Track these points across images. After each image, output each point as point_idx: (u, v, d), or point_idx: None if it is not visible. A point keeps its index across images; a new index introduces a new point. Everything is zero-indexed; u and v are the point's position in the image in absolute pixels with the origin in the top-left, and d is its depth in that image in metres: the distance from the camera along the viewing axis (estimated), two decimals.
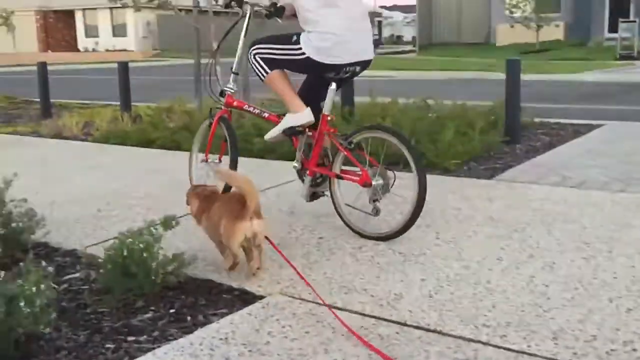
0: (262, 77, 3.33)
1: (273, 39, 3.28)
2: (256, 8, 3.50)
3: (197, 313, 2.33)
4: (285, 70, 3.30)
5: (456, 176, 4.50)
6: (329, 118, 3.21)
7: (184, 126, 6.56)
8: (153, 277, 2.43)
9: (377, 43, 33.22)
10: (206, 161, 3.73)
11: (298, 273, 2.54)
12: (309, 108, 3.26)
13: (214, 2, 5.32)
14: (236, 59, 3.63)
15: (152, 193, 4.16)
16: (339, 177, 3.21)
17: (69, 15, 41.11)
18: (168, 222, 2.64)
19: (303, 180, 3.41)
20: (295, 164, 3.47)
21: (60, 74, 19.38)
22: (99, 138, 6.56)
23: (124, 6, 7.54)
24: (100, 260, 2.50)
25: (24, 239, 2.98)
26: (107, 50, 37.64)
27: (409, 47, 40.24)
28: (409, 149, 3.04)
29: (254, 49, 3.32)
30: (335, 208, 3.27)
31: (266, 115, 3.53)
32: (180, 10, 7.26)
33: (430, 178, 4.34)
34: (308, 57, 3.11)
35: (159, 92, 12.42)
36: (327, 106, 3.21)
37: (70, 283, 2.65)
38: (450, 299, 2.37)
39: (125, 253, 2.42)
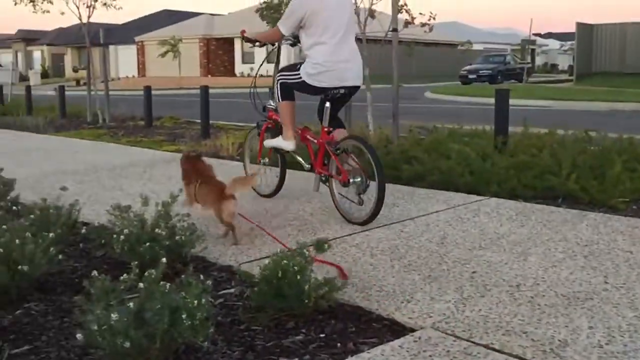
0: (277, 100, 4.36)
1: (287, 67, 4.33)
2: (283, 42, 4.51)
3: (347, 340, 2.29)
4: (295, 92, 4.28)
5: (624, 215, 4.12)
6: (326, 129, 4.15)
7: None
8: (305, 300, 2.43)
9: (529, 71, 31.98)
10: (258, 164, 4.79)
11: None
12: (294, 141, 4.33)
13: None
14: (273, 81, 4.50)
15: (303, 215, 4.22)
16: (331, 176, 4.10)
17: (229, 42, 43.87)
18: (320, 245, 2.65)
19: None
20: (307, 165, 4.45)
21: (218, 97, 20.65)
22: (253, 159, 6.82)
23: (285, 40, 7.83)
24: (255, 279, 2.55)
25: (184, 252, 3.14)
26: (261, 76, 39.50)
27: (564, 76, 38.32)
28: (373, 158, 3.82)
29: (278, 75, 4.35)
30: (332, 198, 4.14)
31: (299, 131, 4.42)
32: None
33: (595, 216, 4.06)
34: (303, 81, 4.15)
35: (309, 116, 12.79)
36: (325, 120, 4.17)
37: (225, 298, 2.73)
38: (623, 351, 2.14)
39: (279, 274, 2.45)
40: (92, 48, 12.16)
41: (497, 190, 4.75)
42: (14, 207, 3.71)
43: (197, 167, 3.90)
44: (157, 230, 3.05)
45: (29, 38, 58.72)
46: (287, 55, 4.51)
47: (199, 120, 10.14)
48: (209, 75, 41.49)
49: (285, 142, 4.37)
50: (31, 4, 11.11)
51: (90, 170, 6.23)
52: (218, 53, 44.34)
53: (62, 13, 11.33)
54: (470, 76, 30.18)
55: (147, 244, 2.96)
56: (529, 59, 36.67)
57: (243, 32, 4.79)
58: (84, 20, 11.42)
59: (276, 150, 4.59)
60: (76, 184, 5.41)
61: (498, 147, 5.84)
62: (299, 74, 4.16)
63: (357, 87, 4.23)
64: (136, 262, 2.26)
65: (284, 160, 4.69)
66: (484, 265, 3.08)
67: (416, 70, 33.64)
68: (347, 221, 3.97)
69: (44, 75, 49.09)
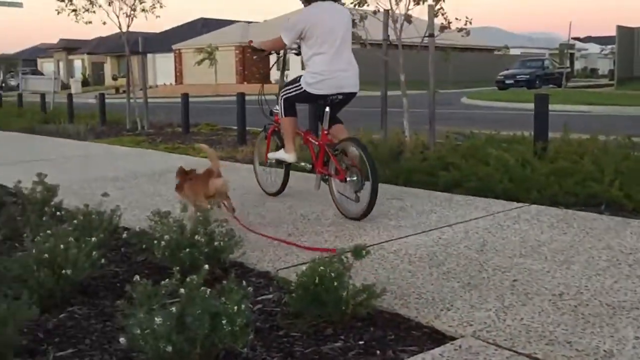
0: (281, 116, 4.71)
1: (288, 83, 4.71)
2: (289, 51, 5.04)
3: (387, 348, 2.27)
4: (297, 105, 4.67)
5: None
6: (325, 132, 4.54)
7: None
8: (343, 307, 2.43)
9: (568, 76, 31.43)
10: (265, 165, 5.25)
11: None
12: (294, 153, 4.71)
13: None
14: (279, 88, 4.85)
15: (339, 221, 4.21)
16: (330, 175, 4.44)
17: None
18: (359, 252, 2.64)
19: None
20: (308, 165, 4.76)
21: (254, 103, 20.79)
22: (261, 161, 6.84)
23: None
24: (292, 285, 2.55)
25: (223, 258, 3.16)
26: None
27: (604, 81, 37.54)
28: (367, 159, 4.15)
29: (282, 92, 4.69)
30: (331, 195, 4.47)
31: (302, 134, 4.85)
32: (370, 44, 7.41)
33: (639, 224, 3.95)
34: (304, 90, 4.51)
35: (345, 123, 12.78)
36: (325, 123, 4.55)
37: (263, 304, 2.74)
38: None
39: (316, 280, 2.45)
40: (131, 56, 12.40)
41: (537, 197, 4.67)
42: (58, 213, 3.79)
43: (188, 178, 4.24)
44: (196, 236, 3.08)
45: (70, 47, 60.19)
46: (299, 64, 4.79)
47: (235, 127, 10.24)
48: (245, 82, 41.84)
49: (286, 155, 4.75)
50: (73, 13, 11.36)
51: (130, 177, 6.33)
52: (253, 60, 44.72)
53: (104, 23, 11.53)
54: (507, 81, 29.78)
55: (187, 249, 3.00)
56: (567, 64, 36.05)
57: (250, 42, 5.08)
58: (124, 29, 11.65)
59: (279, 161, 4.97)
60: (117, 189, 5.50)
61: (537, 153, 5.74)
62: (299, 85, 4.55)
63: (354, 94, 4.61)
64: (177, 268, 2.29)
65: (287, 164, 4.98)
66: (525, 274, 3.03)
67: (452, 75, 33.30)
68: (344, 217, 4.30)
69: (85, 83, 50.19)
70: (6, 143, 10.37)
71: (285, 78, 5.22)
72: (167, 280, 2.17)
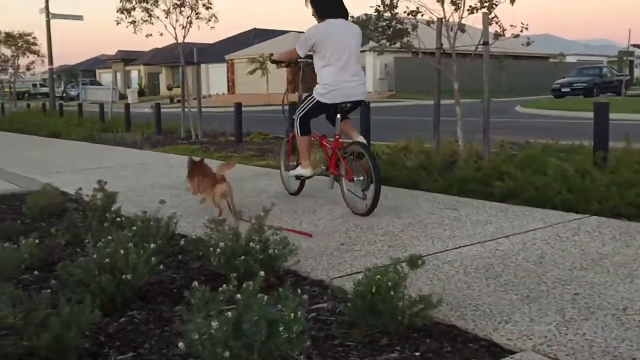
0: (297, 135, 5.17)
1: (302, 101, 5.22)
2: (305, 63, 5.45)
3: None
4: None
5: None
6: (337, 137, 5.03)
7: (421, 166, 6.59)
8: (400, 317, 2.41)
9: (628, 84, 30.44)
10: (288, 168, 5.74)
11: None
12: (310, 168, 5.19)
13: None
14: (297, 98, 5.50)
15: (393, 231, 4.19)
16: (341, 175, 4.92)
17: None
18: (415, 262, 2.61)
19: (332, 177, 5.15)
20: (323, 166, 5.30)
21: None
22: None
23: (374, 50, 7.87)
24: (349, 295, 2.54)
25: (277, 266, 3.18)
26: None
27: None
28: (372, 161, 4.62)
29: (297, 112, 5.16)
30: (342, 193, 4.96)
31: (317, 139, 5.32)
32: (423, 53, 7.36)
33: None
34: (317, 101, 4.99)
35: (394, 131, 12.72)
36: (337, 129, 5.04)
37: (318, 313, 2.74)
38: None
39: (373, 290, 2.44)
40: (186, 67, 12.68)
41: (598, 209, 4.53)
42: (118, 219, 3.89)
43: (199, 168, 5.02)
44: (251, 244, 3.11)
45: (127, 59, 62.00)
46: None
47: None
48: (297, 92, 42.10)
49: (304, 171, 5.24)
50: (132, 25, 11.70)
51: (185, 185, 6.45)
52: (305, 69, 45.04)
53: (161, 34, 11.83)
54: (564, 90, 29.05)
55: (242, 257, 3.03)
56: (627, 72, 34.93)
57: (271, 55, 5.61)
58: (180, 41, 11.92)
59: (298, 177, 5.43)
60: (172, 197, 5.61)
61: (598, 163, 5.58)
62: (313, 97, 5.04)
63: (362, 102, 5.13)
64: (235, 275, 2.31)
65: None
66: (586, 287, 2.94)
67: (506, 84, 32.82)
68: (352, 212, 4.76)
69: (141, 93, 51.57)
70: (68, 151, 10.73)
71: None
72: (224, 286, 2.20)
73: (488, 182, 5.45)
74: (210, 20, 11.74)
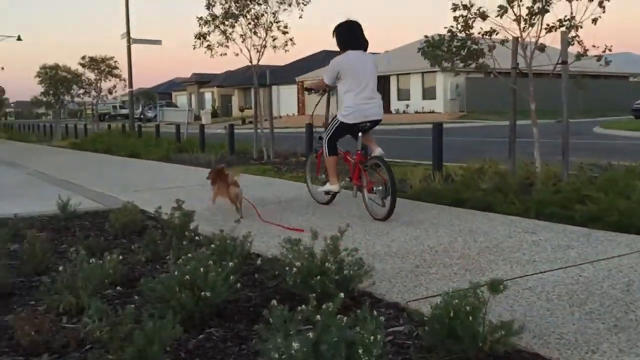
0: (325, 155, 5.87)
1: (328, 124, 5.93)
2: (332, 90, 6.38)
3: None
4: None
5: None
6: (359, 152, 5.77)
7: (495, 187, 6.45)
8: (480, 343, 2.34)
9: None
10: (313, 181, 6.62)
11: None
12: (338, 184, 5.88)
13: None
14: (325, 118, 6.58)
15: (468, 254, 4.10)
16: (363, 186, 5.64)
17: (385, 80, 44.50)
18: (496, 286, 2.54)
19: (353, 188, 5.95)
20: (347, 178, 6.03)
21: (374, 133, 20.91)
22: (412, 195, 6.80)
23: (444, 70, 7.80)
24: (426, 317, 2.50)
25: (352, 287, 3.16)
26: (416, 112, 39.64)
27: None
28: (388, 173, 5.27)
29: (325, 134, 5.86)
30: (364, 201, 5.62)
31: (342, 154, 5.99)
32: (498, 72, 7.23)
33: None
34: (341, 122, 5.69)
35: (466, 152, 12.52)
36: (358, 145, 5.78)
37: (394, 336, 2.70)
38: None
39: (451, 314, 2.39)
40: (258, 88, 12.94)
41: None
42: (196, 237, 3.99)
43: (219, 175, 6.01)
44: (326, 264, 3.11)
45: (201, 81, 64.00)
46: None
47: None
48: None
49: (332, 187, 5.94)
50: (207, 49, 12.07)
51: (258, 204, 6.54)
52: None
53: (237, 54, 12.15)
54: None
55: (318, 277, 3.03)
56: None
57: (303, 82, 7.38)
58: (254, 62, 12.20)
59: (327, 193, 6.11)
60: (247, 216, 5.70)
61: None
62: (337, 119, 5.75)
63: (379, 120, 5.77)
64: (314, 295, 2.31)
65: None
66: None
67: (582, 104, 31.74)
68: (372, 218, 5.40)
69: (214, 114, 52.99)
70: (145, 171, 11.11)
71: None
72: (303, 306, 2.20)
73: (568, 205, 5.27)
74: (286, 45, 11.99)
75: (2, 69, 60.14)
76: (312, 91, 6.46)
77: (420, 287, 3.41)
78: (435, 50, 7.40)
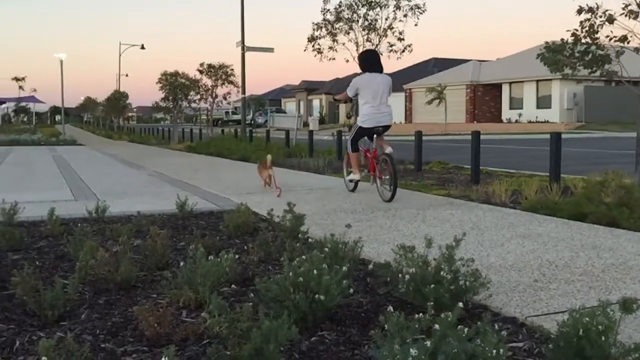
0: (349, 152, 7.80)
1: (352, 130, 7.88)
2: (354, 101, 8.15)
3: None
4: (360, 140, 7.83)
5: None
6: (374, 150, 7.55)
7: (620, 202, 6.04)
8: None
9: None
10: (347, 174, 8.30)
11: None
12: (359, 174, 7.71)
13: None
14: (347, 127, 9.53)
15: (592, 271, 3.86)
16: (376, 175, 7.41)
17: (496, 88, 43.29)
18: (629, 306, 2.36)
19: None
20: (365, 170, 7.83)
21: (484, 142, 20.33)
22: (528, 207, 6.52)
23: (565, 77, 7.44)
24: (553, 335, 2.36)
25: (467, 298, 3.06)
26: (529, 122, 38.18)
27: None
28: (393, 167, 7.02)
29: (349, 136, 7.88)
30: (377, 187, 7.39)
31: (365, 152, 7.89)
32: (627, 81, 6.80)
33: None
34: (360, 127, 7.52)
35: (585, 164, 11.88)
36: (374, 144, 7.57)
37: (514, 352, 2.58)
38: None
39: (580, 332, 2.24)
40: None
41: None
42: (309, 240, 4.02)
43: (263, 164, 8.60)
44: (441, 272, 3.03)
45: (310, 88, 65.13)
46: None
47: (467, 166, 10.06)
48: (475, 122, 41.26)
49: (355, 176, 7.81)
50: (317, 52, 12.25)
51: (367, 210, 6.54)
52: (484, 99, 44.01)
53: (347, 60, 12.27)
54: None
55: (432, 285, 2.96)
56: None
57: (333, 95, 7.62)
58: None
59: (350, 180, 7.99)
60: (355, 222, 5.69)
61: None
62: (357, 124, 7.67)
63: (389, 126, 7.59)
64: (431, 303, 2.25)
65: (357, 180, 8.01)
66: None
67: None
68: (381, 200, 7.14)
69: (321, 121, 53.69)
70: (256, 174, 11.40)
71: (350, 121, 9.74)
72: (420, 314, 2.15)
73: None
74: (403, 52, 11.95)
75: (127, 75, 64.16)
76: (340, 101, 8.46)
77: (539, 302, 3.25)
78: (557, 56, 7.08)
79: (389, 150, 7.29)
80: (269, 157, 8.50)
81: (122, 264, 3.56)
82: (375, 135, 7.49)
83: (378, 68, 7.58)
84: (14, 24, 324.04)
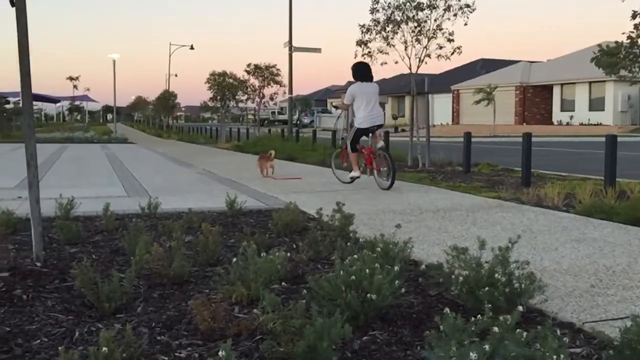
0: (349, 152, 8.89)
1: (350, 131, 8.96)
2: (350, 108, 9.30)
3: None
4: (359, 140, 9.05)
5: None
6: (370, 147, 8.91)
7: None
8: None
9: None
10: (337, 167, 9.85)
11: None
12: (359, 172, 8.83)
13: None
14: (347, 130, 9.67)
15: None
16: (374, 168, 8.76)
17: (546, 90, 42.39)
18: None
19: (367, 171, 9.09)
20: (362, 164, 8.96)
21: (534, 145, 19.93)
22: (582, 211, 6.35)
23: (621, 79, 7.23)
24: (616, 341, 2.29)
25: (521, 302, 2.99)
26: (581, 124, 37.24)
27: None
28: (390, 159, 8.48)
29: (347, 138, 8.96)
30: (375, 179, 8.67)
31: (362, 149, 9.07)
32: None
33: None
34: (357, 128, 8.70)
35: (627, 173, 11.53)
36: (370, 142, 8.89)
37: (572, 358, 2.51)
38: None
39: None
40: (417, 96, 12.85)
41: None
42: (359, 239, 4.01)
43: (264, 157, 10.40)
44: (495, 274, 2.98)
45: None
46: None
47: (517, 168, 9.87)
48: (524, 123, 40.50)
49: (354, 173, 8.85)
50: (367, 55, 12.21)
51: (415, 211, 6.48)
52: (535, 101, 43.15)
53: (396, 62, 12.18)
54: None
55: (486, 288, 2.91)
56: None
57: (332, 102, 9.20)
58: (413, 71, 12.14)
59: (351, 177, 8.93)
60: (404, 223, 5.65)
61: None
62: (355, 127, 8.73)
63: (382, 125, 8.86)
64: (489, 305, 2.22)
65: (357, 177, 9.02)
66: None
67: None
68: (380, 189, 8.27)
69: None
70: (303, 173, 11.46)
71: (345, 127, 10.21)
72: (479, 317, 2.12)
73: None
74: (453, 53, 11.81)
75: (176, 75, 65.36)
76: (338, 108, 9.80)
77: (597, 308, 3.16)
78: (612, 58, 6.90)
79: (380, 144, 8.78)
80: (272, 151, 10.65)
81: (175, 259, 3.62)
82: (370, 134, 8.81)
83: (368, 78, 8.84)
84: (70, 25, 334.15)
